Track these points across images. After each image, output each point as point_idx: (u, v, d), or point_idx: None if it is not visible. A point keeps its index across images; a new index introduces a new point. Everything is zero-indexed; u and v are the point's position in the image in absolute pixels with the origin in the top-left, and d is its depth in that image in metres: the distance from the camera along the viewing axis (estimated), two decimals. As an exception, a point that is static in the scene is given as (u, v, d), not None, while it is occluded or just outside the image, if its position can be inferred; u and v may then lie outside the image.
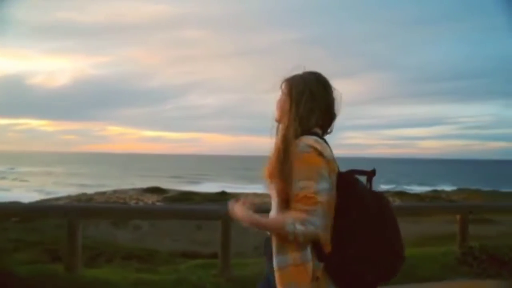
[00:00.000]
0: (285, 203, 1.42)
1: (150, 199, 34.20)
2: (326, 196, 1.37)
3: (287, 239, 1.35)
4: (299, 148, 1.39)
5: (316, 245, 1.38)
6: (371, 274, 1.36)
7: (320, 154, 1.39)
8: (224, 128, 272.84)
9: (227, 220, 4.25)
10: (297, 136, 1.43)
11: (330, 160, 1.41)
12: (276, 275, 1.39)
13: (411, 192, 42.29)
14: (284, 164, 1.40)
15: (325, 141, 1.49)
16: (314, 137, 1.43)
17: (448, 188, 40.37)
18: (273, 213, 1.50)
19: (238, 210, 1.50)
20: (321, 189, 1.36)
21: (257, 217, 1.43)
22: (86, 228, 10.90)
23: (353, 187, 1.40)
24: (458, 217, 5.22)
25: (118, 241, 9.93)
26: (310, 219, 1.34)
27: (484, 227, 8.66)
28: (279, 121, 1.55)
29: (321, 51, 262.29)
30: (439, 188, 44.42)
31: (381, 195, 1.44)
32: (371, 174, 1.45)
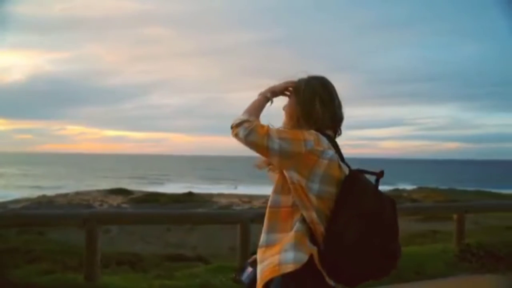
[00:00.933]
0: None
1: (115, 201, 33.14)
2: (275, 145, 1.44)
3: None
4: None
5: (311, 233, 1.45)
6: (359, 269, 1.41)
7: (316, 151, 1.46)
8: (188, 128, 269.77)
9: (246, 223, 4.24)
10: None
11: (312, 149, 1.45)
12: (260, 251, 1.50)
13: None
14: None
15: (335, 143, 1.55)
16: (317, 133, 1.50)
17: (408, 187, 42.03)
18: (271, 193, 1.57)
19: None
20: (275, 138, 1.45)
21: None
22: (52, 232, 10.36)
23: (354, 185, 1.45)
24: (455, 216, 5.49)
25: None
26: (252, 129, 1.46)
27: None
28: (287, 125, 1.58)
29: (286, 52, 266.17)
30: (400, 187, 46.31)
31: (384, 196, 1.47)
32: (379, 175, 1.48)
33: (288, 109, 1.60)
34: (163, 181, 64.99)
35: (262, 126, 1.48)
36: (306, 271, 1.41)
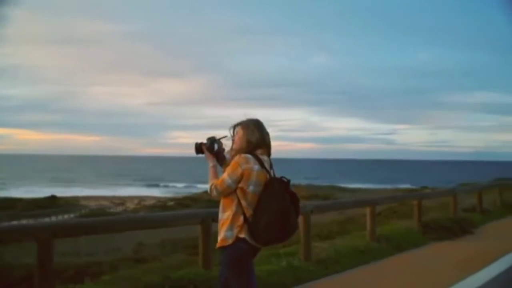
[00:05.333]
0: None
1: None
2: (229, 183, 2.47)
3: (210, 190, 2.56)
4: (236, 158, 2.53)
5: (244, 211, 2.45)
6: (269, 236, 2.41)
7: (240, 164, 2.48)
8: (35, 123, 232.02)
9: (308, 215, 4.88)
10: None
11: (245, 168, 2.45)
12: (219, 225, 2.52)
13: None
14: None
15: (258, 158, 2.51)
16: (246, 155, 2.51)
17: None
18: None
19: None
20: (226, 179, 2.49)
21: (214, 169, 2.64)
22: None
23: (270, 186, 2.45)
24: (415, 202, 7.10)
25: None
26: (217, 187, 2.51)
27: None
28: (236, 148, 2.58)
29: (150, 48, 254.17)
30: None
31: (286, 193, 2.46)
32: (287, 180, 2.52)
33: (238, 138, 2.57)
34: (4, 185, 56.09)
35: (218, 181, 2.49)
36: (238, 240, 2.42)
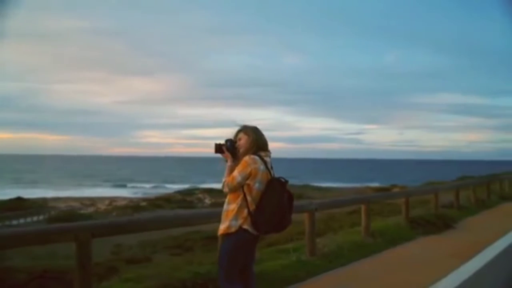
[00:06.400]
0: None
1: None
2: (239, 180, 2.81)
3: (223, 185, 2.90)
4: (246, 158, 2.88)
5: (248, 206, 2.80)
6: (268, 227, 2.79)
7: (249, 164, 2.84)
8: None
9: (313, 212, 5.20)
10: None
11: (253, 168, 2.81)
12: (224, 214, 2.87)
13: (219, 188, 46.79)
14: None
15: (263, 159, 2.88)
16: (254, 156, 2.88)
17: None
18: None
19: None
20: (237, 176, 2.83)
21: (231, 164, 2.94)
22: None
23: (271, 185, 2.82)
24: (403, 199, 7.59)
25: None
26: (229, 184, 2.86)
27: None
28: (243, 151, 2.93)
29: (119, 45, 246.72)
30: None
31: (284, 192, 2.84)
32: (285, 180, 2.89)
33: (244, 141, 2.94)
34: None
35: (229, 178, 2.83)
36: (240, 229, 2.78)
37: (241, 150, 2.94)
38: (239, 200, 2.81)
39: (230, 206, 2.84)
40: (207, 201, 40.99)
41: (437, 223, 7.44)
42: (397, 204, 9.85)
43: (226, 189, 2.86)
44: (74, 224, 3.47)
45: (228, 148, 2.97)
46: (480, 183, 12.14)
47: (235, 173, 2.82)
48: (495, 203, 11.69)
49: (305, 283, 4.49)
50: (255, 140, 2.92)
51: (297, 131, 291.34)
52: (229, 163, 2.95)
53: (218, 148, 3.01)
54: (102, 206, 39.71)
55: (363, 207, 6.56)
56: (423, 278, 4.59)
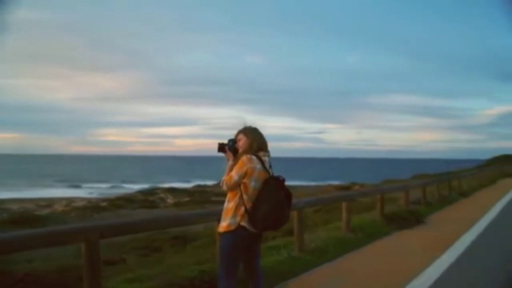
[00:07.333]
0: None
1: None
2: (236, 179, 2.95)
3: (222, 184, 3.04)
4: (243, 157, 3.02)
5: (244, 203, 2.93)
6: (265, 225, 2.90)
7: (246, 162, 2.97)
8: None
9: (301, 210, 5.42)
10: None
11: (249, 167, 2.95)
12: (224, 212, 3.02)
13: (181, 187, 46.44)
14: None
15: (260, 159, 3.01)
16: (251, 156, 3.01)
17: (210, 182, 46.77)
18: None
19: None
20: (234, 175, 2.97)
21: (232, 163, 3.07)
22: None
23: (268, 182, 2.96)
24: (378, 196, 8.00)
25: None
26: (227, 183, 3.00)
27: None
28: (242, 151, 3.06)
29: (77, 39, 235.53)
30: (202, 183, 50.62)
31: (281, 190, 2.96)
32: (283, 178, 3.03)
33: (243, 141, 3.08)
34: None
35: (227, 178, 2.98)
36: (239, 226, 2.91)
37: (241, 150, 3.07)
38: (236, 198, 2.93)
39: (229, 204, 2.97)
40: (170, 200, 40.23)
41: (409, 218, 7.93)
42: (364, 202, 10.37)
43: (224, 187, 2.99)
44: (84, 225, 3.45)
45: (230, 148, 3.10)
46: (442, 181, 12.97)
47: (233, 172, 2.95)
48: (455, 199, 12.55)
49: (301, 277, 4.71)
50: (253, 140, 3.04)
51: (261, 130, 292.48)
52: (230, 162, 3.07)
53: (221, 147, 3.14)
54: (59, 207, 37.94)
55: (344, 204, 6.87)
56: (404, 267, 5.05)
